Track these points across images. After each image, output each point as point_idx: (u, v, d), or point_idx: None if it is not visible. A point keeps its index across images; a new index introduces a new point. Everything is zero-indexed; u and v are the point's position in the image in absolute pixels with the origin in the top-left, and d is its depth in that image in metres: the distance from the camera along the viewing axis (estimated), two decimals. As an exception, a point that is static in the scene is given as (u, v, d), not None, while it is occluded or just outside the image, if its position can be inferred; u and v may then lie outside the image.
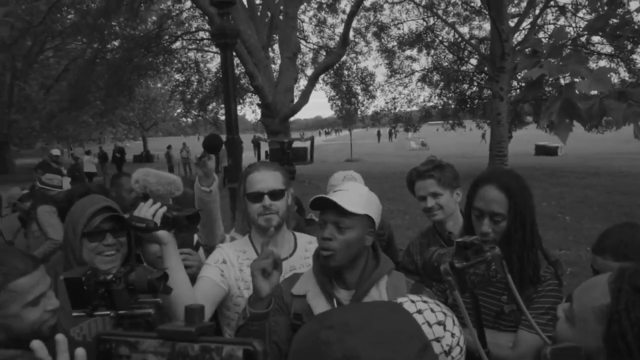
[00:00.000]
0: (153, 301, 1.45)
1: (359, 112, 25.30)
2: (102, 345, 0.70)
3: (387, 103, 24.84)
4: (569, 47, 18.91)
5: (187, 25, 22.17)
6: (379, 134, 51.45)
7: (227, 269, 2.02)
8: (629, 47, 19.43)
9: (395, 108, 24.71)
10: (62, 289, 1.39)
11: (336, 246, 1.64)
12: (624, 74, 20.76)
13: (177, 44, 22.16)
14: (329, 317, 0.76)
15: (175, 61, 23.11)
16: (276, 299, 1.77)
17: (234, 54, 9.71)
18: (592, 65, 21.78)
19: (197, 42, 22.57)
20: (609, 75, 1.78)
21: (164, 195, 1.99)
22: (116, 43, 20.42)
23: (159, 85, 36.52)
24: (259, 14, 14.25)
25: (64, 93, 21.85)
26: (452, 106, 24.03)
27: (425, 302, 1.34)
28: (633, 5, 19.63)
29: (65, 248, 1.85)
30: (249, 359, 0.62)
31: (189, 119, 29.41)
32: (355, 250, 1.67)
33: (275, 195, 2.03)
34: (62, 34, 20.81)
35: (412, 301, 1.34)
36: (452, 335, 1.29)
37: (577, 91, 1.75)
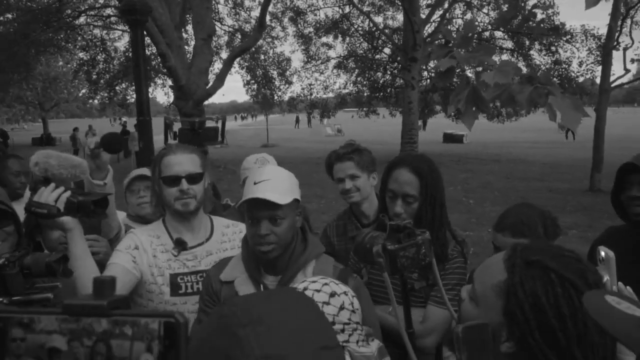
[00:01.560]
0: (51, 285, 1.37)
1: (275, 98, 25.15)
2: None
3: (303, 89, 24.95)
4: (475, 40, 19.98)
5: (91, 0, 20.73)
6: (297, 119, 51.43)
7: (139, 254, 1.95)
8: (527, 43, 20.92)
9: (311, 94, 24.87)
10: None
11: (274, 239, 1.64)
12: (523, 68, 22.30)
13: (81, 20, 20.67)
14: (239, 311, 0.73)
15: (79, 38, 21.54)
16: (205, 287, 1.76)
17: (145, 32, 9.27)
18: (495, 59, 23.19)
19: (104, 18, 21.20)
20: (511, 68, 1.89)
21: (68, 179, 1.86)
22: (10, 15, 18.65)
23: (61, 63, 33.90)
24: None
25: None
26: (366, 94, 24.60)
27: (304, 289, 1.36)
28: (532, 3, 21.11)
29: None
30: (169, 332, 0.55)
31: (96, 101, 27.63)
32: (291, 236, 1.69)
33: (193, 179, 1.97)
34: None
35: (313, 281, 1.38)
36: (345, 293, 1.37)
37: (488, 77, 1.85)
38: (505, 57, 21.41)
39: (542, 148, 23.74)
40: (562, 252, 1.05)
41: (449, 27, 22.50)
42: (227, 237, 2.12)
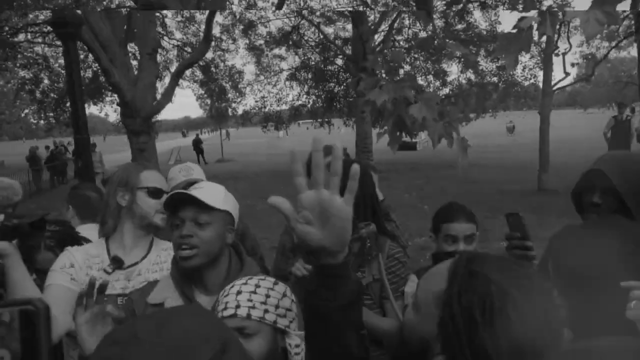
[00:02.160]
0: None
1: (229, 111, 24.90)
2: None
3: (256, 102, 24.82)
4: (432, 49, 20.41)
5: (31, 16, 19.94)
6: (227, 133, 55.66)
7: (75, 272, 1.90)
8: (474, 51, 21.58)
9: (265, 107, 24.77)
10: None
11: (197, 242, 1.58)
12: (470, 74, 23.03)
13: (21, 37, 19.84)
14: (119, 330, 0.66)
15: (19, 56, 20.67)
16: (125, 312, 1.62)
17: (87, 48, 8.96)
18: (444, 65, 23.86)
19: (45, 35, 20.44)
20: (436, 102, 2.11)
21: (0, 202, 1.76)
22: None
23: (1, 82, 32.51)
24: (114, 6, 13.31)
25: None
26: (321, 105, 24.71)
27: (250, 278, 1.45)
28: (477, 14, 21.81)
29: None
30: (28, 322, 0.47)
31: (42, 121, 26.60)
32: (217, 248, 1.63)
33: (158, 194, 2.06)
34: None
35: (244, 283, 1.41)
36: (286, 286, 1.46)
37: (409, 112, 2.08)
38: (454, 65, 22.05)
39: (492, 152, 24.44)
40: (511, 265, 0.97)
41: (399, 37, 23.01)
42: (161, 258, 2.04)
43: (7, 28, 18.47)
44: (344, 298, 0.94)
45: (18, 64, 21.19)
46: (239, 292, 1.40)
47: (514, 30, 1.93)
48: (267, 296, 1.39)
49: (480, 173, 16.73)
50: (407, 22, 23.10)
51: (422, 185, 14.47)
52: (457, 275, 0.95)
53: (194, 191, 1.62)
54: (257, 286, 1.40)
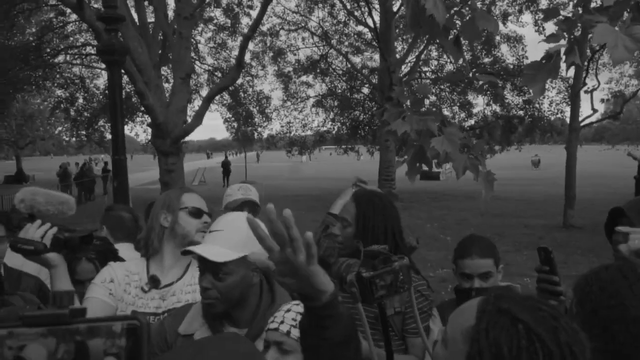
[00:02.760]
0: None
1: (255, 135, 25.28)
2: None
3: (282, 127, 25.17)
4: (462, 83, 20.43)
5: (72, 39, 20.78)
6: (257, 155, 58.88)
7: (114, 287, 1.98)
8: (500, 84, 21.61)
9: (290, 132, 25.09)
10: None
11: (216, 295, 1.56)
12: (496, 107, 23.01)
13: (60, 58, 20.65)
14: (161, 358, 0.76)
15: (58, 76, 21.47)
16: (157, 339, 1.67)
17: (123, 71, 9.33)
18: (470, 97, 23.93)
19: (83, 57, 21.24)
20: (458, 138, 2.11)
21: (55, 215, 1.85)
22: (-13, 53, 18.57)
23: (38, 100, 33.64)
24: (151, 32, 13.81)
25: None
26: (346, 132, 24.93)
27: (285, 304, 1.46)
28: (503, 48, 21.97)
29: None
30: (132, 335, 0.57)
31: (73, 139, 27.40)
32: (240, 292, 1.60)
33: (208, 216, 2.15)
34: None
35: (297, 303, 1.42)
36: None
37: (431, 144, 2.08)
38: (480, 97, 22.09)
39: (516, 185, 24.18)
40: (539, 305, 0.99)
41: (426, 68, 23.22)
42: (194, 279, 2.08)
43: (48, 49, 19.24)
44: (334, 336, 1.01)
45: (56, 84, 21.99)
46: (288, 310, 1.45)
47: (542, 61, 1.95)
48: (294, 320, 1.41)
49: (504, 206, 16.58)
50: (434, 53, 23.36)
51: (443, 216, 14.41)
52: (485, 312, 0.99)
53: (211, 240, 1.60)
54: (288, 311, 1.45)
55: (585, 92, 13.50)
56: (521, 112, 22.26)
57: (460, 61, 2.30)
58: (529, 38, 20.48)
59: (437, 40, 2.37)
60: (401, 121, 1.99)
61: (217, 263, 1.55)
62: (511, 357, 0.91)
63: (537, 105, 21.55)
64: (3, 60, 17.13)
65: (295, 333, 1.36)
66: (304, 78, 24.45)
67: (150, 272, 2.05)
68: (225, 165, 29.45)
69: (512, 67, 21.09)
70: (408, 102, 2.24)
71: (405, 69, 21.22)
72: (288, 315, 1.43)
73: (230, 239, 1.58)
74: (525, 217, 14.11)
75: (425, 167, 2.25)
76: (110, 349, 0.57)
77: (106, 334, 0.58)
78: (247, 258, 1.56)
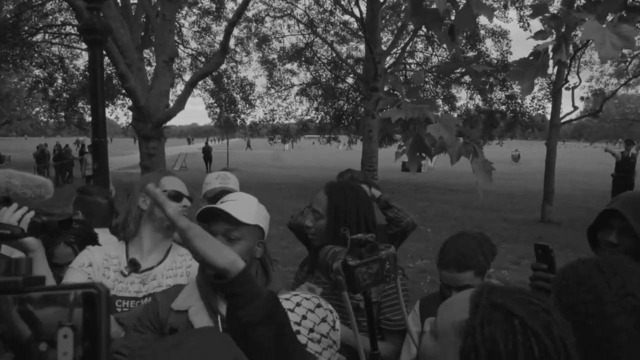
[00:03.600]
0: None
1: (238, 121, 25.09)
2: None
3: (265, 114, 25.03)
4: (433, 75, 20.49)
5: (51, 17, 20.27)
6: (248, 143, 56.69)
7: (92, 272, 1.95)
8: (484, 79, 21.76)
9: (273, 120, 24.97)
10: None
11: None
12: (479, 101, 23.21)
13: (39, 37, 20.15)
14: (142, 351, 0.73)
15: (36, 55, 20.96)
16: (148, 311, 1.67)
17: (105, 52, 9.13)
18: (453, 90, 24.10)
19: (63, 36, 20.76)
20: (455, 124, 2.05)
21: (32, 199, 1.79)
22: (-37, 29, 18.02)
23: (15, 80, 32.83)
24: (133, 13, 13.54)
25: None
26: (329, 121, 24.90)
27: (296, 295, 1.42)
28: (488, 43, 22.10)
29: None
30: (89, 304, 0.52)
31: (51, 120, 26.84)
32: (247, 261, 1.61)
33: (188, 200, 2.12)
34: None
35: (287, 299, 1.39)
36: (331, 311, 1.41)
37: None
38: (463, 90, 22.26)
39: (497, 179, 24.38)
40: (530, 299, 0.99)
41: (411, 60, 23.26)
42: (177, 264, 2.09)
43: (26, 28, 18.75)
44: (246, 316, 0.99)
45: (34, 63, 21.47)
46: (298, 304, 1.39)
47: (530, 57, 1.94)
48: (304, 317, 1.35)
49: (484, 200, 16.77)
50: (419, 45, 23.40)
51: (424, 208, 14.52)
52: (479, 307, 0.99)
53: (227, 205, 1.63)
54: (298, 305, 1.37)
55: (567, 89, 13.68)
56: (503, 107, 22.49)
57: (454, 51, 2.28)
58: (514, 33, 20.67)
59: (432, 31, 2.33)
60: (396, 109, 1.95)
61: (231, 225, 1.59)
62: (507, 353, 0.92)
63: (519, 101, 21.79)
64: (-21, 37, 16.67)
65: (333, 336, 1.37)
66: (288, 66, 24.34)
67: (129, 255, 2.03)
68: (206, 152, 29.24)
69: (496, 61, 21.24)
70: (404, 91, 2.21)
71: (390, 60, 21.22)
72: (298, 311, 1.38)
73: (243, 208, 1.63)
74: (505, 211, 14.30)
75: (425, 159, 2.22)
76: (66, 320, 0.53)
77: (61, 304, 0.54)
78: (255, 229, 1.64)
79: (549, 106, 15.96)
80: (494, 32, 21.76)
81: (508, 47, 21.92)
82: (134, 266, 2.00)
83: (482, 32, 21.32)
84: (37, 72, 22.64)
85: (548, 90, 19.68)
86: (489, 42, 22.22)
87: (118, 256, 2.03)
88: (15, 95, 35.45)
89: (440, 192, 18.97)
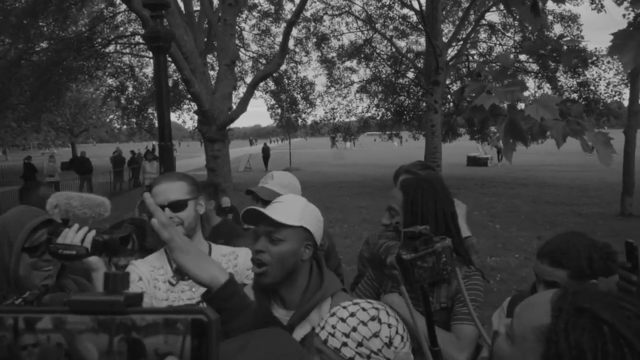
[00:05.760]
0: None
1: (299, 121, 25.35)
2: None
3: (326, 113, 25.09)
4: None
5: (121, 29, 21.38)
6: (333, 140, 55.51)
7: (145, 285, 1.96)
8: (552, 66, 20.71)
9: (334, 118, 24.99)
10: None
11: (269, 259, 1.55)
12: (548, 90, 22.10)
13: (111, 48, 21.30)
14: None
15: (109, 65, 22.18)
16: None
17: (170, 59, 9.49)
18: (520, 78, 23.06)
19: (132, 46, 21.82)
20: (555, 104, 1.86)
21: (90, 219, 1.82)
22: (44, 44, 19.34)
23: (91, 90, 34.93)
24: (196, 19, 13.97)
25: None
26: (390, 117, 24.61)
27: (355, 303, 1.35)
28: (557, 29, 20.99)
29: None
30: (197, 331, 0.47)
31: (124, 126, 28.31)
32: (291, 265, 1.58)
33: (177, 206, 1.98)
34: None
35: (344, 307, 1.34)
36: (389, 326, 1.30)
37: (522, 110, 1.85)
38: (530, 80, 21.28)
39: (569, 171, 23.27)
40: (620, 303, 0.89)
41: (473, 51, 22.54)
42: (222, 264, 2.10)
43: (99, 40, 19.85)
44: (233, 331, 0.96)
45: (107, 73, 22.71)
46: (332, 314, 1.35)
47: (630, 28, 1.78)
48: (354, 329, 1.29)
49: (555, 193, 15.98)
50: (482, 35, 22.62)
51: (492, 203, 14.01)
52: (562, 311, 0.90)
53: (270, 206, 1.62)
54: (352, 315, 1.32)
55: (647, 72, 12.71)
56: (575, 95, 21.30)
57: (539, 27, 2.12)
58: (584, 17, 19.51)
59: (513, 9, 2.17)
60: (486, 94, 1.81)
61: (273, 227, 1.56)
62: None
63: (592, 88, 20.54)
64: (58, 51, 17.81)
65: (333, 343, 1.29)
66: (347, 63, 24.23)
67: (173, 264, 2.02)
68: (265, 151, 31.61)
69: (566, 47, 20.13)
70: (490, 77, 2.07)
71: (452, 52, 20.65)
72: (331, 320, 1.34)
73: (288, 210, 1.60)
74: (579, 205, 13.53)
75: (519, 144, 2.04)
76: (171, 348, 0.47)
77: (166, 330, 0.47)
78: (301, 231, 1.59)
79: (626, 92, 14.92)
80: (562, 16, 20.65)
81: (579, 31, 20.74)
82: (180, 274, 1.99)
83: (550, 17, 20.28)
84: (110, 81, 23.96)
85: (625, 75, 18.42)
86: (557, 28, 21.06)
87: (162, 266, 2.04)
88: (91, 104, 37.75)
89: (509, 187, 18.25)
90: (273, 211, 1.58)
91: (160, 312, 0.48)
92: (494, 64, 19.60)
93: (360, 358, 1.26)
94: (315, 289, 1.64)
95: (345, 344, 1.27)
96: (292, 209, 1.62)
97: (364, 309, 1.32)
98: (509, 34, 21.85)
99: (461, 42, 20.45)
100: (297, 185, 2.83)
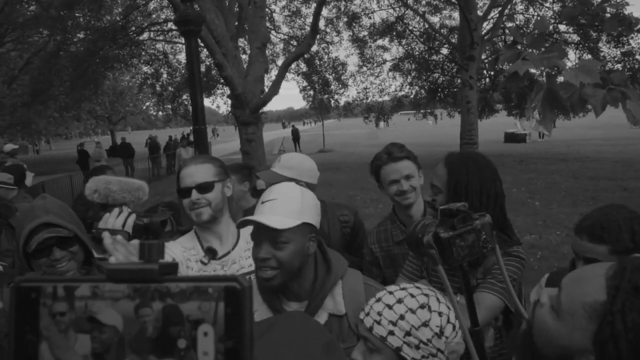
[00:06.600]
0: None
1: (332, 102, 25.22)
2: (22, 296, 0.50)
3: (358, 93, 24.88)
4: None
5: (154, 16, 21.65)
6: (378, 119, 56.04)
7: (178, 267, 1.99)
8: (594, 36, 19.85)
9: (367, 98, 24.76)
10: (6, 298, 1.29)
11: (276, 265, 1.49)
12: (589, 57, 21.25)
13: (144, 36, 21.63)
14: None
15: (143, 53, 22.56)
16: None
17: (202, 44, 9.55)
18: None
19: (165, 33, 22.08)
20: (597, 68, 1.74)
21: (130, 203, 1.84)
22: (80, 35, 19.81)
23: (127, 77, 35.65)
24: (227, 3, 13.99)
25: (26, 87, 21.13)
26: (424, 95, 24.21)
27: (403, 289, 1.28)
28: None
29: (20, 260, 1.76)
30: (231, 299, 0.47)
31: (160, 112, 28.85)
32: (298, 263, 1.53)
33: (204, 188, 2.00)
34: (23, 26, 20.09)
35: (390, 292, 1.28)
36: (440, 314, 1.24)
37: (561, 79, 1.74)
38: (571, 51, 20.49)
39: (613, 145, 22.40)
40: None
41: (510, 24, 21.81)
42: (249, 245, 2.08)
43: (133, 28, 20.17)
44: None
45: (142, 61, 23.10)
46: (378, 299, 1.28)
47: None
48: (401, 317, 1.22)
49: (598, 168, 15.43)
50: (519, 7, 21.85)
51: (531, 180, 13.66)
52: (620, 290, 0.84)
53: (266, 210, 1.53)
54: (399, 301, 1.24)
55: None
56: (619, 66, 20.40)
57: None
58: (629, -18, 18.48)
59: None
60: (522, 61, 1.70)
61: (275, 231, 1.46)
62: None
63: (638, 57, 19.61)
64: (94, 41, 18.21)
65: (379, 331, 1.23)
66: (379, 42, 23.89)
67: (204, 244, 2.06)
68: (295, 133, 32.38)
69: (608, 15, 19.25)
70: (525, 42, 1.93)
71: (487, 25, 20.04)
72: (376, 307, 1.26)
73: (285, 207, 1.51)
74: (624, 180, 13.03)
75: (558, 116, 1.91)
76: (204, 315, 0.47)
77: (200, 297, 0.48)
78: (304, 227, 1.50)
79: (675, 60, 14.18)
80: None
81: (623, -3, 19.75)
82: (211, 253, 2.03)
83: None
84: (145, 68, 24.37)
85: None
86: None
87: (194, 247, 2.07)
88: (128, 92, 38.58)
89: (549, 162, 17.73)
90: (270, 217, 1.48)
91: (194, 280, 0.49)
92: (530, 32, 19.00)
93: (408, 348, 1.20)
94: (324, 276, 1.59)
95: (392, 333, 1.21)
96: (288, 205, 1.52)
97: (412, 295, 1.25)
98: (547, 4, 21.04)
99: (497, 15, 19.80)
100: (306, 165, 2.68)
